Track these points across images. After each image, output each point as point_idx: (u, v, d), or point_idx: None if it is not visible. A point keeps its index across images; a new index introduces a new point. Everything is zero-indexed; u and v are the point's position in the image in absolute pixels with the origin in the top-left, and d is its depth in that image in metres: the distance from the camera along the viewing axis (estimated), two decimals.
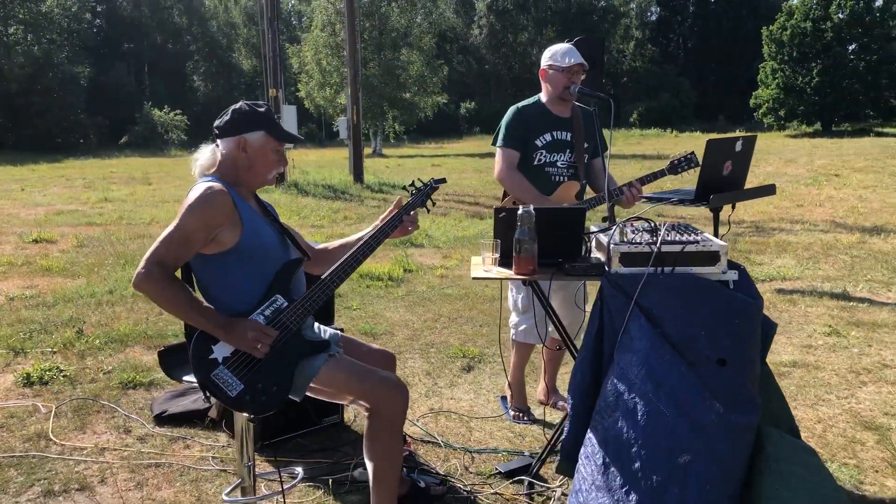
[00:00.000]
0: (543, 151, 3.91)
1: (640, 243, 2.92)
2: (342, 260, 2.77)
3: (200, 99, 57.44)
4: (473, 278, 3.09)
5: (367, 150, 32.67)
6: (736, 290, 2.96)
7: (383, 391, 2.66)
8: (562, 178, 3.92)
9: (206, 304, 2.53)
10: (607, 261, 2.94)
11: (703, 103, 55.13)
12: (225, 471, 3.45)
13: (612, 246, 2.92)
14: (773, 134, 39.60)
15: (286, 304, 2.65)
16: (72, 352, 5.14)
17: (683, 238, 2.97)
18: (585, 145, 3.96)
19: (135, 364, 4.86)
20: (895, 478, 3.29)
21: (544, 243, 3.04)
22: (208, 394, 2.52)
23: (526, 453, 3.62)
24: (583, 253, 3.16)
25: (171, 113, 46.50)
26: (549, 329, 4.01)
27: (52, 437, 3.78)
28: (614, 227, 3.05)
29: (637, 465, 2.71)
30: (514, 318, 4.04)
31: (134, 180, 20.51)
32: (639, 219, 3.10)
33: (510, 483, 3.33)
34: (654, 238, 2.96)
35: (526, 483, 3.29)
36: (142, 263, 2.47)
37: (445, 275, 7.76)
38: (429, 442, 3.76)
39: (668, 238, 2.94)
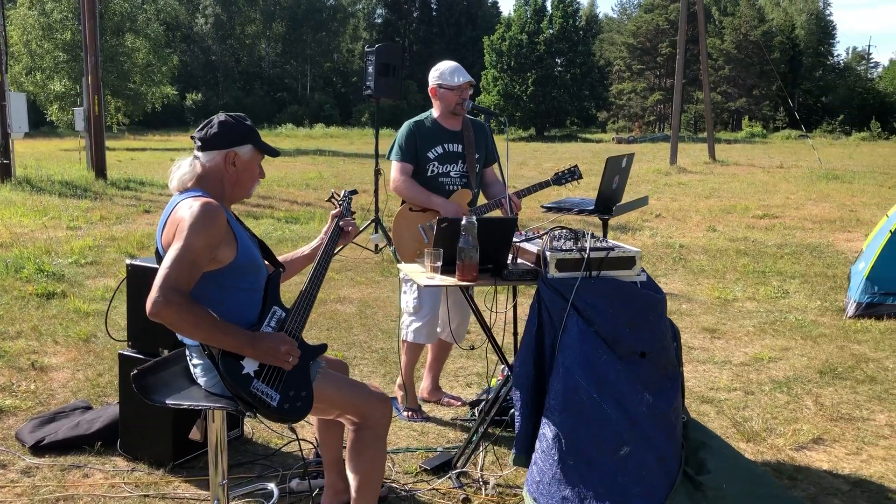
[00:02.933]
0: (436, 163, 4.12)
1: (571, 250, 3.26)
2: (313, 270, 2.80)
3: None
4: (424, 286, 3.24)
5: (83, 142, 30.12)
6: (643, 288, 3.41)
7: (372, 404, 2.73)
8: (455, 187, 4.15)
9: (226, 322, 2.43)
10: (543, 266, 3.24)
11: (429, 105, 57.76)
12: (147, 496, 3.25)
13: (547, 253, 3.23)
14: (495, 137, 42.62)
15: (284, 314, 2.63)
16: None
17: (601, 245, 3.36)
18: (476, 156, 4.22)
19: None
20: (745, 441, 3.97)
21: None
22: (253, 410, 2.44)
23: (439, 449, 3.82)
24: (510, 260, 3.43)
25: None
26: (438, 330, 4.25)
27: None
28: (543, 236, 3.37)
29: (587, 459, 3.04)
30: (405, 320, 4.20)
31: None
32: (562, 228, 3.44)
33: (438, 479, 3.50)
34: (578, 245, 3.32)
35: (454, 476, 3.50)
36: (155, 291, 2.32)
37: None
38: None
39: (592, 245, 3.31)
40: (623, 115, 58.68)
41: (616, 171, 3.76)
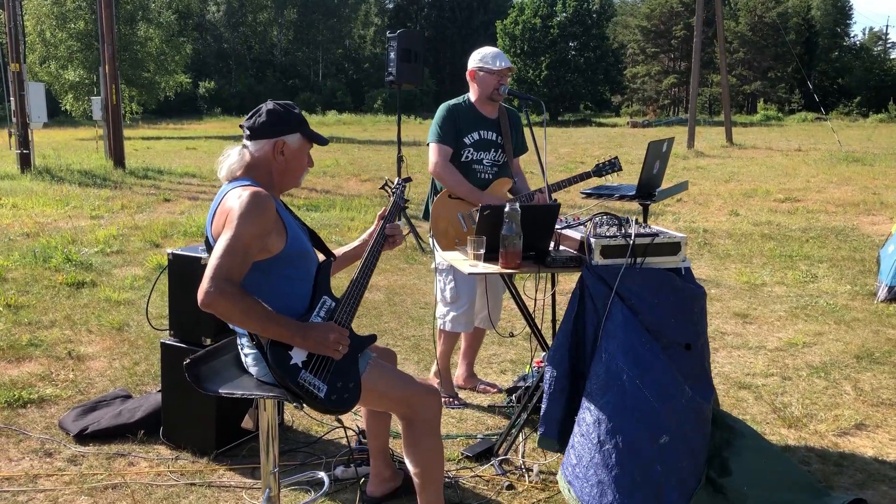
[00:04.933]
0: (471, 149, 4.09)
1: (616, 236, 3.23)
2: (362, 264, 2.78)
3: None
4: (468, 274, 3.22)
5: (100, 131, 30.21)
6: (686, 281, 3.39)
7: (419, 397, 2.71)
8: (487, 175, 4.12)
9: (276, 312, 2.42)
10: (587, 253, 3.22)
11: (442, 91, 57.59)
12: (193, 484, 3.27)
13: (592, 240, 3.21)
14: None
15: (334, 303, 2.62)
16: None
17: (645, 231, 3.33)
18: (510, 145, 4.19)
19: (8, 381, 4.33)
20: (786, 427, 3.94)
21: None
22: (300, 401, 2.43)
23: (479, 436, 3.82)
24: (551, 247, 3.41)
25: None
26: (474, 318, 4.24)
27: None
28: (586, 222, 3.34)
29: (627, 444, 3.02)
30: (441, 309, 4.18)
31: None
32: (605, 214, 3.41)
33: (481, 466, 3.50)
34: (622, 231, 3.29)
35: (497, 464, 3.49)
36: (207, 281, 2.31)
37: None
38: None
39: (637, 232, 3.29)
40: (637, 99, 58.31)
41: (657, 155, 3.72)
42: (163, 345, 3.59)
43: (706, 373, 3.34)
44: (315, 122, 42.66)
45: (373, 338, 2.73)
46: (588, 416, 3.09)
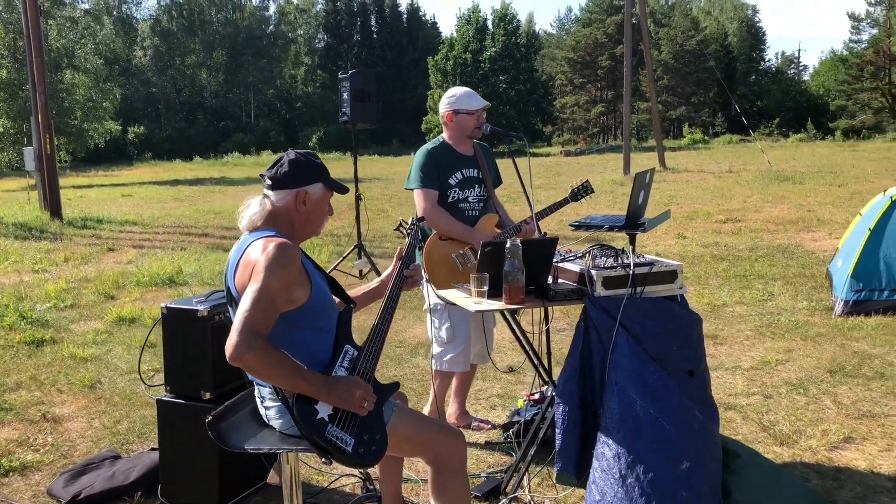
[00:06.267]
0: (457, 189, 4.12)
1: (615, 267, 3.29)
2: (382, 308, 2.77)
3: None
4: (475, 312, 3.23)
5: (32, 181, 29.32)
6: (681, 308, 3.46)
7: (446, 441, 2.70)
8: (474, 211, 4.16)
9: (302, 366, 2.38)
10: (589, 285, 3.26)
11: (378, 128, 57.74)
12: None
13: (593, 271, 3.26)
14: None
15: (356, 353, 2.59)
16: None
17: (642, 260, 3.40)
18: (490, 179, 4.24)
19: None
20: (778, 445, 4.04)
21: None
22: (328, 456, 2.38)
23: (482, 475, 3.80)
24: (550, 281, 3.45)
25: None
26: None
27: None
28: (585, 254, 3.40)
29: (650, 475, 3.05)
30: (437, 349, 4.17)
31: None
32: (602, 245, 3.47)
33: None
34: (619, 261, 3.35)
35: (507, 502, 3.48)
36: (235, 335, 2.26)
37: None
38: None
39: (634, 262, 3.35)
40: (568, 129, 59.49)
41: (642, 185, 3.82)
42: (159, 401, 3.49)
43: (710, 397, 3.41)
44: (250, 163, 42.26)
45: (395, 385, 2.71)
46: (607, 450, 3.11)
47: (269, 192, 2.60)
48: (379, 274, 8.55)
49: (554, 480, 3.31)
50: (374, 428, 2.51)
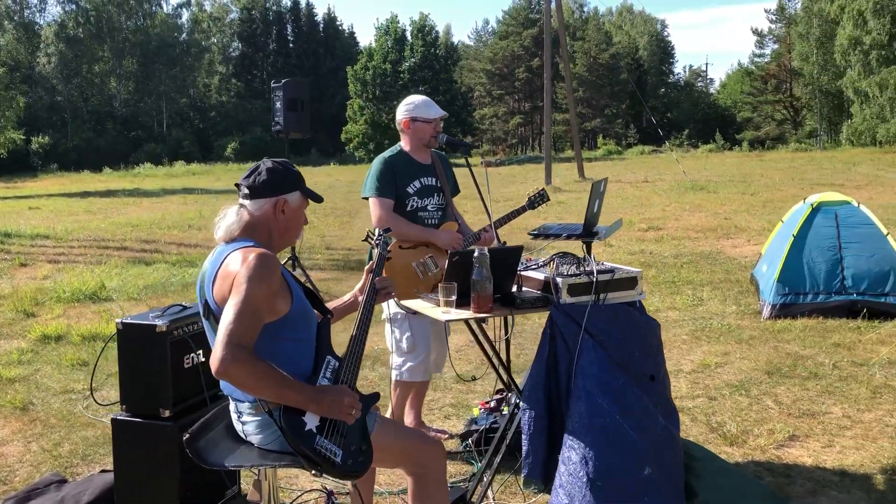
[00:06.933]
0: (415, 198, 4.11)
1: (579, 274, 3.34)
2: (358, 320, 2.74)
3: None
4: (446, 322, 3.22)
5: None
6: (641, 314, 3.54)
7: (428, 450, 2.69)
8: (433, 220, 4.16)
9: (290, 377, 2.32)
10: (555, 292, 3.30)
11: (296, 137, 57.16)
12: None
13: (558, 279, 3.30)
14: (364, 166, 42.72)
15: (337, 363, 2.56)
16: None
17: (604, 267, 3.46)
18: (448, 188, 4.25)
19: None
20: (728, 445, 4.16)
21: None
22: (318, 468, 2.32)
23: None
24: (515, 289, 3.47)
25: None
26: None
27: None
28: (550, 262, 3.44)
29: (614, 480, 3.11)
30: (397, 360, 4.13)
31: None
32: (565, 254, 3.52)
33: None
34: (581, 269, 3.40)
35: None
36: (220, 349, 2.20)
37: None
38: (348, 493, 3.71)
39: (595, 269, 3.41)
40: (487, 140, 60.14)
41: (597, 195, 3.89)
42: (114, 420, 3.34)
43: (670, 401, 3.49)
44: (162, 173, 41.15)
45: (376, 396, 2.68)
46: (574, 455, 3.15)
47: (246, 202, 2.54)
48: (314, 286, 8.44)
49: (521, 486, 3.32)
50: (361, 438, 2.49)
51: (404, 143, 4.21)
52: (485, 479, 3.59)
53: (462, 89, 54.86)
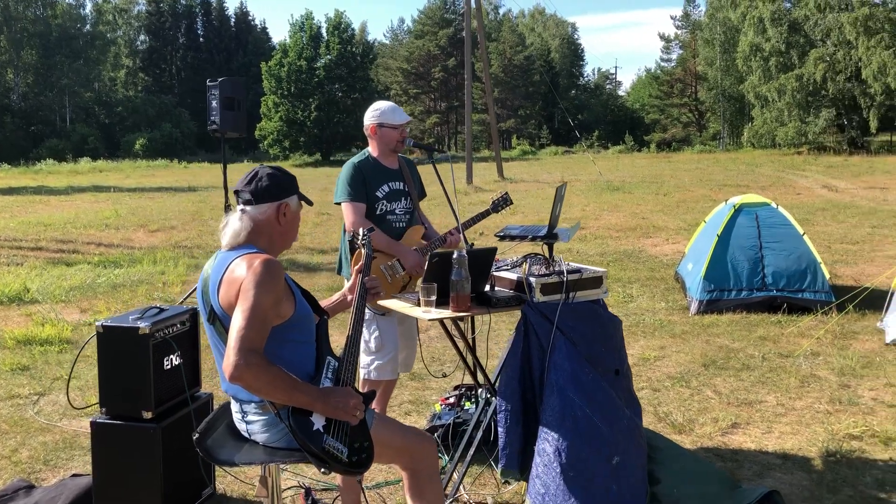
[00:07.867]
0: (384, 202, 4.21)
1: (550, 274, 3.53)
2: (352, 320, 2.83)
3: None
4: (429, 321, 3.35)
5: None
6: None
7: (422, 445, 2.81)
8: (401, 223, 4.25)
9: (298, 379, 2.40)
10: (528, 291, 3.48)
11: (206, 133, 55.75)
12: None
13: (531, 279, 3.48)
14: (281, 163, 42.17)
15: (336, 363, 2.64)
16: None
17: (572, 267, 3.65)
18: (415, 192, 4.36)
19: None
20: (677, 433, 4.43)
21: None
22: (326, 465, 2.40)
23: None
24: (487, 288, 3.63)
25: None
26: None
27: None
28: (523, 263, 3.62)
29: (586, 470, 3.31)
30: (365, 359, 4.20)
31: None
32: (536, 255, 3.69)
33: None
34: (551, 269, 3.59)
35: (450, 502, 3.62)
36: (233, 354, 2.26)
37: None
38: (327, 489, 3.79)
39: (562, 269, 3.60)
40: None
41: (559, 199, 4.08)
42: (93, 423, 3.33)
43: (633, 394, 3.72)
44: (67, 170, 39.56)
45: (373, 394, 2.78)
46: (548, 446, 3.33)
47: (248, 208, 2.60)
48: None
49: (499, 476, 3.47)
50: (363, 436, 2.59)
51: (372, 149, 4.30)
52: (458, 472, 3.74)
53: (379, 87, 54.77)
